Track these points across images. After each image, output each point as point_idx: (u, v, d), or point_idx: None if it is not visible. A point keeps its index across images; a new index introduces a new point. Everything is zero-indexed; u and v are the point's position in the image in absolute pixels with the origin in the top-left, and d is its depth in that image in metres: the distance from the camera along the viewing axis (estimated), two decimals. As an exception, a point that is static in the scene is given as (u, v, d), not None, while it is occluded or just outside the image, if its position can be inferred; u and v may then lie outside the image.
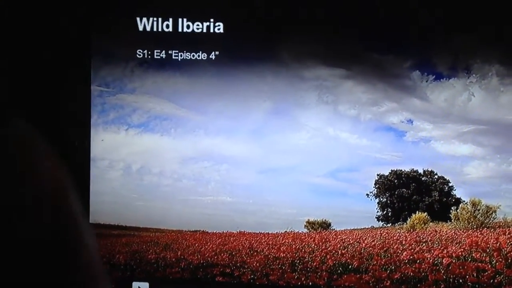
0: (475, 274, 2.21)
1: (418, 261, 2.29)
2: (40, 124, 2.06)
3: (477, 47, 2.31)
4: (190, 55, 2.25)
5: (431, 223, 2.55)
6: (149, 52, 2.26)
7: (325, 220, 2.47)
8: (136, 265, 2.44)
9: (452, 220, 2.55)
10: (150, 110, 2.35)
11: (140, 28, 2.23)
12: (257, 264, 2.36)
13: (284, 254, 2.39)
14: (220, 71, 2.28)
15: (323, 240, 2.48)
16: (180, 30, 2.23)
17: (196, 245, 2.49)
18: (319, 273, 2.29)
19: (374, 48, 2.29)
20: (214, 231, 2.53)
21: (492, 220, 2.54)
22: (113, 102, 2.31)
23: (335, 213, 2.44)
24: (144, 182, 2.39)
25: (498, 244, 2.27)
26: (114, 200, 2.37)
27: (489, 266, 2.20)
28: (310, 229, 2.49)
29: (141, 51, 2.26)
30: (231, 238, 2.54)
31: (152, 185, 2.39)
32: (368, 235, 2.52)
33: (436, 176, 2.55)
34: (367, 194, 2.47)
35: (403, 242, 2.44)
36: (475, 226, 2.53)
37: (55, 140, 2.12)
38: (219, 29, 2.23)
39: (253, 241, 2.51)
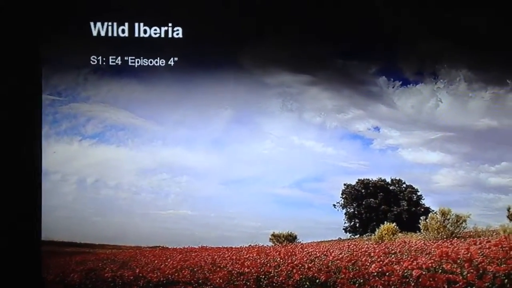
0: (446, 286, 2.22)
1: (387, 273, 2.31)
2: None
3: (443, 51, 2.40)
4: (147, 61, 2.25)
5: (399, 234, 2.59)
6: (104, 59, 2.24)
7: (291, 232, 2.49)
8: (92, 284, 2.40)
9: (421, 230, 2.59)
10: (105, 120, 2.36)
11: (94, 33, 2.22)
12: (221, 281, 2.34)
13: (249, 269, 2.39)
14: (179, 78, 2.28)
15: (289, 254, 2.50)
16: (136, 35, 2.23)
17: (156, 261, 2.47)
18: (285, 288, 2.27)
19: (338, 54, 2.36)
20: (175, 247, 2.52)
21: (462, 230, 2.59)
22: (65, 111, 2.31)
23: (301, 225, 2.48)
24: (99, 196, 2.38)
25: (469, 255, 2.30)
26: (67, 215, 2.35)
27: (460, 277, 2.22)
28: (276, 242, 2.50)
29: (95, 57, 2.24)
30: (193, 254, 2.53)
31: (108, 199, 2.39)
32: (336, 247, 2.54)
33: (404, 185, 2.60)
34: (334, 205, 2.52)
35: (372, 254, 2.47)
36: (445, 236, 2.58)
37: (3, 152, 2.04)
38: (178, 34, 2.24)
39: (215, 256, 2.50)
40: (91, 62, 2.24)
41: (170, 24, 2.24)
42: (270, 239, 2.49)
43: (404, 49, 2.35)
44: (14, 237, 2.19)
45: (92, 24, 2.21)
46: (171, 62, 2.25)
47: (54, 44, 2.20)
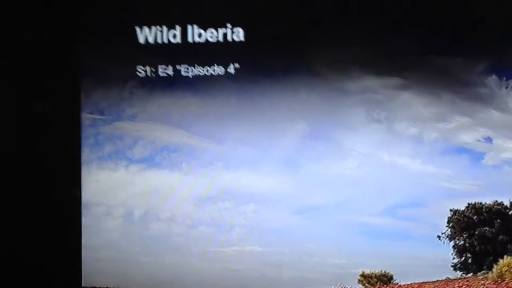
0: None
1: (510, 321, 1.95)
2: (21, 163, 1.76)
3: None
4: (203, 70, 2.05)
5: (523, 271, 2.23)
6: (153, 69, 2.05)
7: (385, 272, 2.19)
8: None
9: (552, 266, 2.21)
10: (155, 141, 2.14)
11: (141, 40, 2.03)
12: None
13: (338, 319, 2.07)
14: (240, 88, 2.07)
15: (385, 299, 2.18)
16: (190, 40, 2.04)
17: (222, 311, 2.20)
18: None
19: (436, 50, 2.05)
20: (241, 292, 2.23)
21: None
22: (109, 132, 2.10)
23: (397, 262, 2.16)
24: (150, 232, 2.13)
25: None
26: (113, 256, 2.11)
27: None
28: (366, 284, 2.21)
29: (142, 67, 2.05)
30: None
31: (161, 235, 2.14)
32: (444, 289, 2.22)
33: (527, 209, 2.26)
34: (439, 236, 2.21)
35: (490, 297, 2.14)
36: None
37: (38, 183, 1.82)
38: (238, 36, 2.03)
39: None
40: (137, 73, 2.05)
41: (228, 25, 2.02)
42: (359, 280, 2.20)
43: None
44: (51, 283, 1.97)
45: (137, 29, 2.02)
46: (231, 69, 2.04)
47: (95, 54, 2.03)
